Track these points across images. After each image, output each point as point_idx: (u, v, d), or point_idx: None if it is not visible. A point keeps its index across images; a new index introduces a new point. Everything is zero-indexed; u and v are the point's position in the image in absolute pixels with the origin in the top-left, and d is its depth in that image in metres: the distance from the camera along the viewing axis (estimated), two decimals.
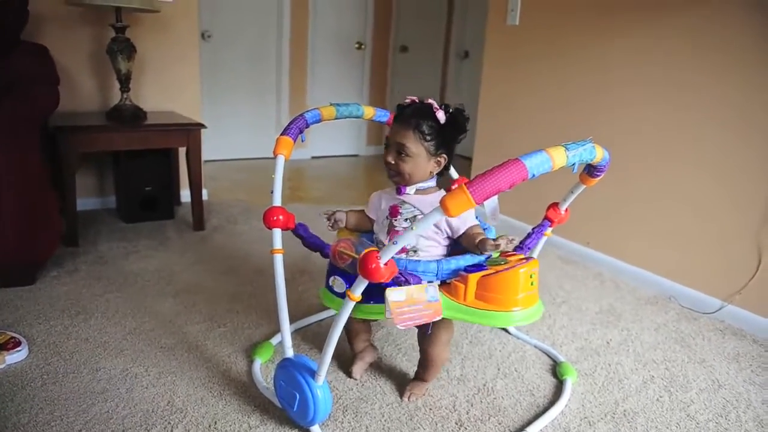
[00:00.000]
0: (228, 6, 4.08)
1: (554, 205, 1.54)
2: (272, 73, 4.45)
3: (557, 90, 2.57)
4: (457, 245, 1.36)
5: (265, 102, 4.49)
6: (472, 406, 1.40)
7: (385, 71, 4.93)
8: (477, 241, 1.25)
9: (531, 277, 1.22)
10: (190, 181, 2.50)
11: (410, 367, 1.56)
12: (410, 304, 1.12)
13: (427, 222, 0.99)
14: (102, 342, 1.58)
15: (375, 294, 1.15)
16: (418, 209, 1.32)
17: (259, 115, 4.50)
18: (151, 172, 2.60)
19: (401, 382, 1.48)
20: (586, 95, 2.45)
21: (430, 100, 1.29)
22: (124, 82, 2.47)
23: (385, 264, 1.03)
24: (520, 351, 1.69)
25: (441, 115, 1.26)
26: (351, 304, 1.10)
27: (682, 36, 2.07)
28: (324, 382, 1.19)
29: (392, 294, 1.09)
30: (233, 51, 4.21)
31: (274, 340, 1.63)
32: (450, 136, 1.30)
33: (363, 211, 1.47)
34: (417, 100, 1.31)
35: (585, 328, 1.87)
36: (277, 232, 1.30)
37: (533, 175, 1.00)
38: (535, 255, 1.55)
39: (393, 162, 1.30)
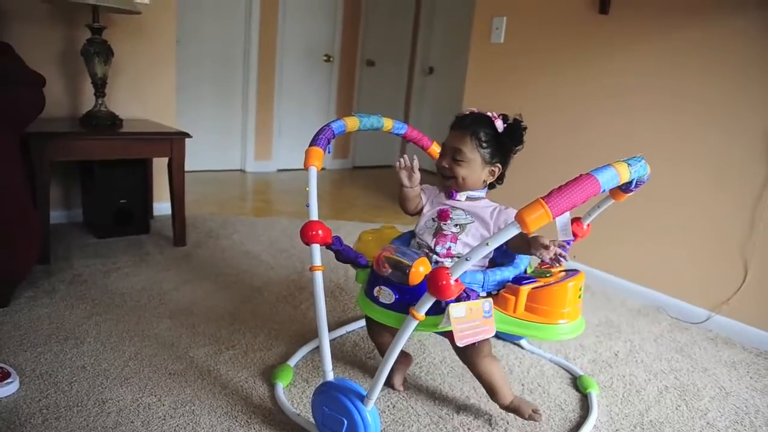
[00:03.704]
0: (195, 13, 3.93)
1: (577, 220, 1.55)
2: (239, 84, 4.31)
3: (541, 106, 2.64)
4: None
5: (232, 113, 4.34)
6: (508, 424, 1.37)
7: (352, 84, 4.90)
8: (529, 237, 1.24)
9: (580, 290, 1.22)
10: (171, 194, 2.35)
11: (435, 386, 1.52)
12: (470, 320, 1.08)
13: (503, 236, 0.96)
14: (102, 370, 1.43)
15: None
16: (469, 215, 1.32)
17: (225, 127, 4.34)
18: (125, 184, 2.43)
19: (431, 402, 1.44)
20: (570, 114, 2.52)
21: (488, 113, 1.29)
22: (100, 86, 2.30)
23: (456, 281, 0.99)
24: (537, 366, 1.69)
25: (499, 124, 1.28)
26: (414, 323, 1.05)
27: (665, 56, 2.18)
28: (373, 407, 1.13)
29: (455, 310, 1.05)
30: (200, 60, 4.05)
31: (292, 362, 1.54)
32: (506, 146, 1.31)
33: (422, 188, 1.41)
34: (476, 111, 1.32)
35: (591, 341, 1.90)
36: (316, 248, 1.22)
37: (604, 190, 1.00)
38: None
39: (448, 166, 1.30)
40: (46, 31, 2.38)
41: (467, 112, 1.33)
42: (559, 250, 1.24)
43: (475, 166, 1.30)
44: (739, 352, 1.93)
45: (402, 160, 1.35)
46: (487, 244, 0.97)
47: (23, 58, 2.13)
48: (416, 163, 1.35)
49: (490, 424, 1.37)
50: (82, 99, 2.50)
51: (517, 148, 1.33)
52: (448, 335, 1.27)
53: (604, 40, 2.38)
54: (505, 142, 1.31)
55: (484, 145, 1.29)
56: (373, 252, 1.26)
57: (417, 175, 1.35)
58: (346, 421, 1.13)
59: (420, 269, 1.14)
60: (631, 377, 1.68)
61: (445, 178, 1.34)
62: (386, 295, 1.24)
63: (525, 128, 1.32)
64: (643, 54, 2.25)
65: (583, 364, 1.73)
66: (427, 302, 1.02)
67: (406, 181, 1.35)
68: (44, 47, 2.39)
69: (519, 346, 1.80)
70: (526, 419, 1.31)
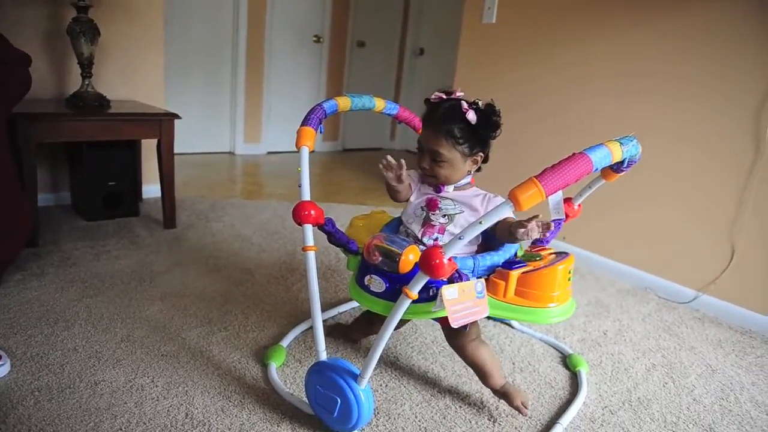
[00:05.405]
0: None
1: (568, 200, 1.56)
2: (228, 66, 4.25)
3: (532, 88, 2.63)
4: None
5: (220, 95, 4.29)
6: (499, 401, 1.39)
7: (342, 65, 4.86)
8: (511, 225, 1.19)
9: (569, 273, 1.23)
10: (161, 176, 2.33)
11: (427, 365, 1.53)
12: (463, 301, 1.09)
13: (496, 215, 0.96)
14: (93, 352, 1.43)
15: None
16: (458, 204, 1.30)
17: (214, 109, 4.29)
18: (114, 166, 2.40)
19: (423, 381, 1.45)
20: (560, 93, 2.52)
21: (458, 94, 1.26)
22: (87, 66, 2.26)
23: (449, 260, 1.00)
24: (527, 345, 1.71)
25: (472, 116, 1.22)
26: (407, 302, 1.05)
27: (658, 33, 2.17)
28: (367, 385, 1.14)
29: (448, 291, 1.06)
30: (187, 41, 3.98)
31: (284, 343, 1.55)
32: (483, 135, 1.27)
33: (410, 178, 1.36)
34: (444, 96, 1.27)
35: (580, 321, 1.92)
36: (309, 229, 1.22)
37: (596, 169, 1.01)
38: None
39: (428, 167, 1.28)
40: (30, 9, 2.32)
41: (435, 99, 1.27)
42: (541, 220, 1.17)
43: (455, 163, 1.27)
44: (725, 330, 1.97)
45: (385, 160, 1.28)
46: (480, 222, 0.97)
47: (6, 36, 2.09)
48: (403, 162, 1.28)
49: (482, 402, 1.38)
50: (68, 80, 2.46)
51: (494, 134, 1.29)
52: (441, 320, 1.27)
53: (596, 20, 2.36)
54: (481, 132, 1.26)
55: (461, 141, 1.24)
56: (364, 238, 1.25)
57: (404, 174, 1.30)
58: (339, 400, 1.14)
59: (410, 257, 1.14)
60: (620, 356, 1.70)
61: (428, 176, 1.32)
62: (377, 283, 1.23)
63: (498, 112, 1.27)
64: (635, 37, 2.25)
65: (572, 343, 1.75)
66: (421, 281, 1.02)
67: (392, 182, 1.30)
68: (28, 26, 2.33)
69: (509, 325, 1.82)
70: (513, 407, 1.30)
